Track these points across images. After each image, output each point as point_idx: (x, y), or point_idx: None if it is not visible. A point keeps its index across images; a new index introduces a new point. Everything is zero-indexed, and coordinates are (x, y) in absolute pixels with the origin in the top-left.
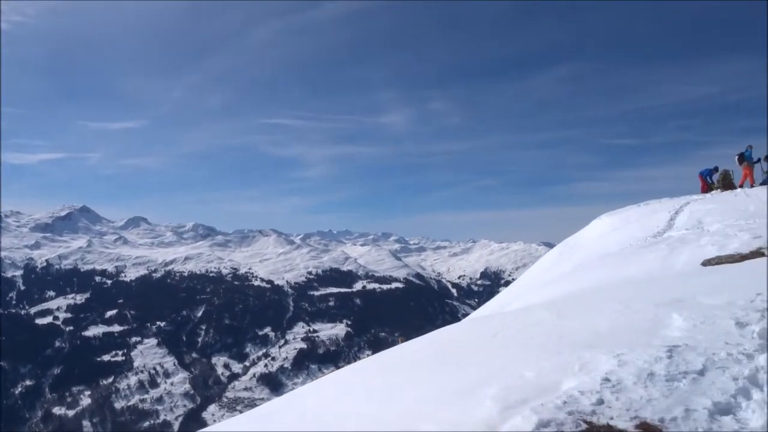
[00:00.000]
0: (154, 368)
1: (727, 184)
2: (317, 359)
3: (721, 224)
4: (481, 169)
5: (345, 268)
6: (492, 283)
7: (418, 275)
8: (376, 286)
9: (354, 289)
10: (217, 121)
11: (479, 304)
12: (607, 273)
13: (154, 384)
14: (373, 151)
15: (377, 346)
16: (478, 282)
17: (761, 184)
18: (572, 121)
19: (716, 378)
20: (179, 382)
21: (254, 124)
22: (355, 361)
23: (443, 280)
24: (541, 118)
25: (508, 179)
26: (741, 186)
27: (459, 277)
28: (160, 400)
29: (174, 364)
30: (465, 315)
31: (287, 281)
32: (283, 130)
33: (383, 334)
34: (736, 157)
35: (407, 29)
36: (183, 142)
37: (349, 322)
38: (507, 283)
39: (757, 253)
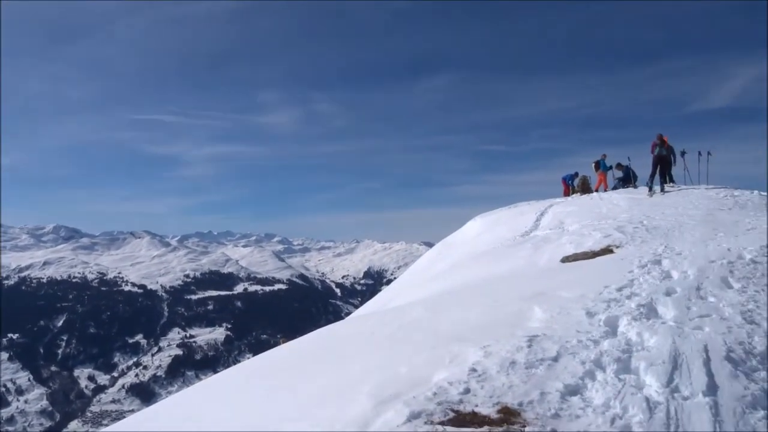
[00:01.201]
0: (5, 385)
1: (585, 188)
2: (194, 366)
3: (578, 225)
4: (366, 171)
5: (225, 270)
6: (375, 282)
7: (301, 276)
8: (258, 288)
9: (235, 292)
10: (82, 115)
11: (362, 303)
12: (480, 270)
13: (4, 403)
14: (256, 151)
15: (259, 348)
16: (362, 281)
17: (613, 188)
18: (451, 126)
19: (568, 363)
20: (35, 398)
21: (127, 119)
22: (235, 365)
23: (327, 281)
24: (422, 123)
25: (391, 181)
26: (596, 190)
27: (343, 277)
28: (11, 420)
29: (29, 380)
30: (348, 314)
31: (162, 285)
32: (160, 126)
33: (265, 336)
34: (593, 165)
35: (292, 28)
36: (42, 136)
37: (229, 326)
38: (389, 282)
39: (606, 250)
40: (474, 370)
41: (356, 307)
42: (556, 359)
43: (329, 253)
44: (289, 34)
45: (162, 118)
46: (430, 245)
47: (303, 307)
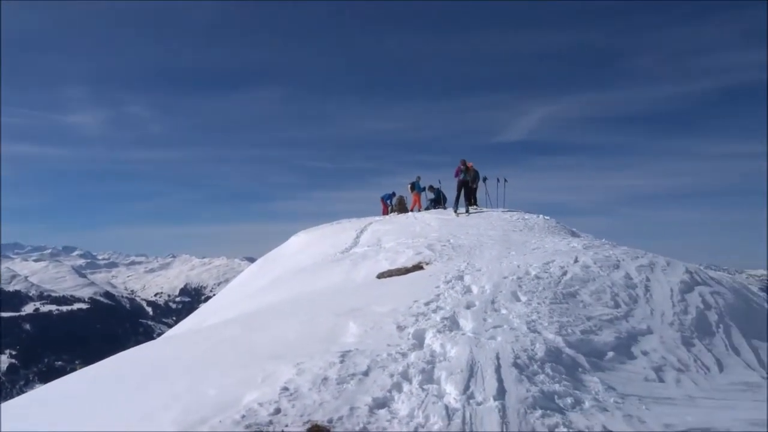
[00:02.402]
0: None
1: (402, 208)
2: None
3: (394, 242)
4: (185, 181)
5: (12, 287)
6: (192, 299)
7: (107, 294)
8: (53, 307)
9: (23, 313)
10: None
11: (177, 323)
12: (300, 286)
13: None
14: (55, 153)
15: (51, 377)
16: (177, 299)
17: (426, 209)
18: (277, 140)
19: (377, 377)
20: None
21: None
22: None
23: (137, 299)
24: (247, 135)
25: (213, 193)
26: (412, 210)
27: (156, 295)
28: None
29: None
30: (161, 334)
31: None
32: None
33: (60, 363)
34: (409, 186)
35: (100, 20)
36: None
37: (14, 352)
38: (208, 300)
39: (418, 267)
40: (286, 388)
41: (170, 326)
42: (366, 373)
43: (140, 268)
44: (97, 26)
45: None
46: (252, 260)
47: (107, 329)
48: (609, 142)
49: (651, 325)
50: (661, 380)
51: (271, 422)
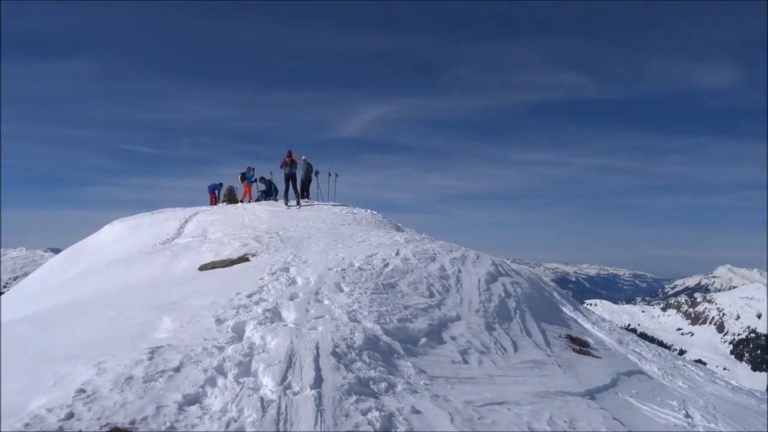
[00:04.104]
0: None
1: (231, 198)
2: None
3: (221, 233)
4: None
5: None
6: None
7: None
8: None
9: None
10: None
11: None
12: (112, 279)
13: None
14: None
15: None
16: None
17: (256, 200)
18: (91, 120)
19: (190, 372)
20: None
21: None
22: None
23: None
24: (55, 111)
25: (11, 175)
26: (242, 201)
27: None
28: None
29: None
30: None
31: None
32: None
33: None
34: (239, 176)
35: None
36: None
37: None
38: (0, 296)
39: (243, 259)
40: (82, 390)
41: None
42: (178, 369)
43: None
44: None
45: None
46: (57, 252)
47: None
48: (432, 144)
49: (460, 312)
50: (466, 362)
51: (61, 428)
